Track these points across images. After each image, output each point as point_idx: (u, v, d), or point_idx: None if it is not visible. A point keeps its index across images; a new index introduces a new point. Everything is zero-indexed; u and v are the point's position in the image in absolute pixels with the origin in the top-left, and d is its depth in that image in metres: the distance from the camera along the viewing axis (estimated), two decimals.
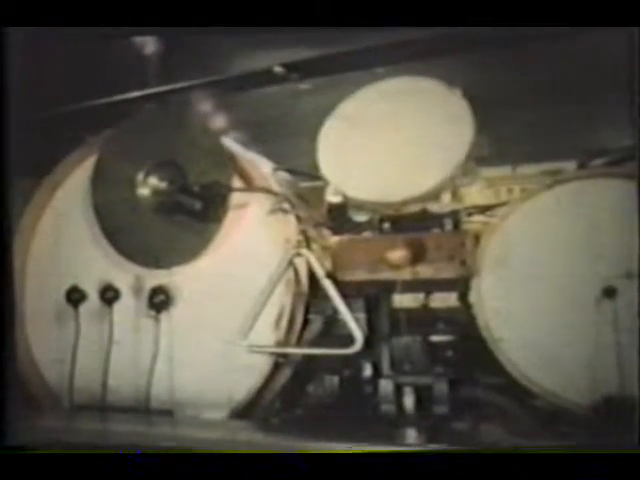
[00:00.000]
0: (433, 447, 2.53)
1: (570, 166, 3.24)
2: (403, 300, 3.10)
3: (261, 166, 3.45)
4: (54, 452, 2.40)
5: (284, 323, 3.08)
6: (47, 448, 2.46)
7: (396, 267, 2.93)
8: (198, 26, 2.60)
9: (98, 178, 3.42)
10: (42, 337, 3.55)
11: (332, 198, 3.14)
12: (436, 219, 3.01)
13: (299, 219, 3.19)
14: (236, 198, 3.22)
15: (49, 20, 2.54)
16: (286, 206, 3.16)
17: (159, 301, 3.27)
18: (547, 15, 2.39)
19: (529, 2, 2.40)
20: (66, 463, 2.34)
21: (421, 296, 3.21)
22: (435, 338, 3.03)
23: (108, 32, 2.73)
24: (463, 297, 3.04)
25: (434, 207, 3.00)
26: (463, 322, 3.01)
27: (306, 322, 3.14)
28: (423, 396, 2.96)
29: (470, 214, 3.22)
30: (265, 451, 2.58)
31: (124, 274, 3.39)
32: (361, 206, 3.10)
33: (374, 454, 2.34)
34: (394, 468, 2.22)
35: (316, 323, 3.14)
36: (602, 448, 2.18)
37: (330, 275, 3.02)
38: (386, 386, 3.01)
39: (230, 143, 3.45)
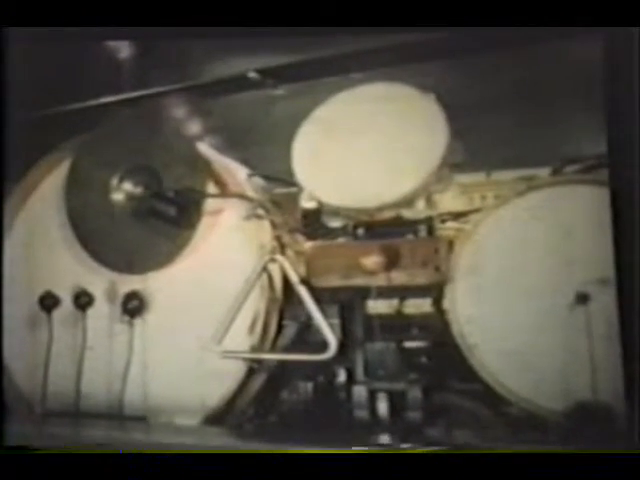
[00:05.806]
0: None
1: (544, 173, 3.24)
2: (377, 306, 3.09)
3: (236, 172, 3.45)
4: (54, 452, 2.39)
5: (258, 329, 3.07)
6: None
7: (370, 273, 2.93)
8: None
9: (72, 183, 3.41)
10: (15, 343, 3.52)
11: (307, 204, 3.15)
12: (410, 225, 3.02)
13: (273, 225, 3.18)
14: (211, 204, 3.22)
15: (47, 21, 2.54)
16: (260, 212, 3.16)
17: (133, 307, 3.27)
18: (543, 16, 2.39)
19: (529, 3, 2.40)
20: (66, 463, 2.33)
21: (395, 302, 3.19)
22: (409, 344, 3.03)
23: (85, 32, 2.72)
24: (437, 303, 3.02)
25: (408, 213, 3.01)
26: (437, 328, 3.00)
27: (280, 328, 3.14)
28: (397, 402, 2.96)
29: (444, 220, 3.21)
30: (239, 451, 2.57)
31: (98, 279, 3.38)
32: (335, 212, 3.11)
33: (346, 455, 2.34)
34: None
35: (290, 329, 3.13)
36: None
37: (304, 281, 3.03)
38: (360, 392, 3.00)
39: (205, 149, 3.45)
